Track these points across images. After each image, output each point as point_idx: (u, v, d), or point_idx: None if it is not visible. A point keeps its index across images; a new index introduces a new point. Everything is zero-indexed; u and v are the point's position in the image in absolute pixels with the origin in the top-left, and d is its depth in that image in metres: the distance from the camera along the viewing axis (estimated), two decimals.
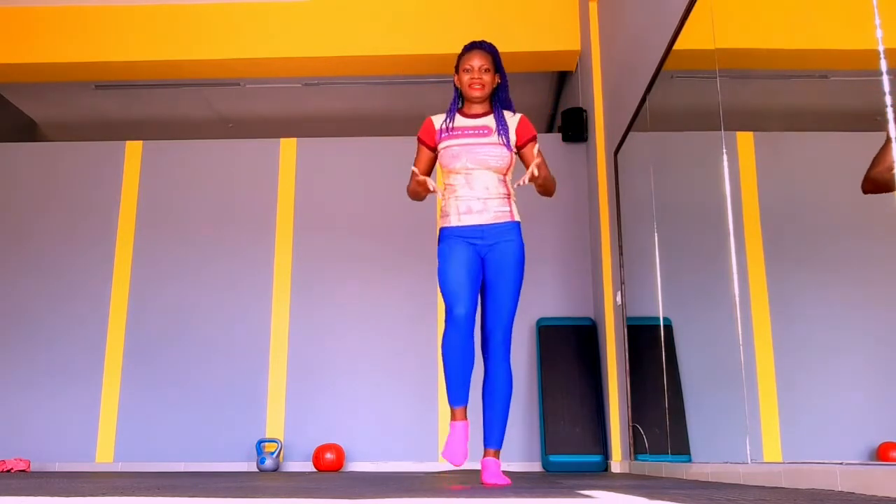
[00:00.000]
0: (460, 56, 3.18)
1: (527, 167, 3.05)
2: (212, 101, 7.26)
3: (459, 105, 3.20)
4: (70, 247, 5.99)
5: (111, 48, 6.10)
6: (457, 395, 3.01)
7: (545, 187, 3.09)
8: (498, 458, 3.02)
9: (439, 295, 5.67)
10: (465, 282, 3.00)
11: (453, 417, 3.03)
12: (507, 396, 3.01)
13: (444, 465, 5.48)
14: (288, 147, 6.15)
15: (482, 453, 3.07)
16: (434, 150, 3.16)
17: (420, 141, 3.20)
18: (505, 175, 3.12)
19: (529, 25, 5.96)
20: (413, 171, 3.04)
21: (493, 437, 3.03)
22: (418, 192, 3.11)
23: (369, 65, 6.21)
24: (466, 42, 3.22)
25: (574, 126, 5.92)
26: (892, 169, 1.95)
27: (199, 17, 6.11)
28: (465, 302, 2.97)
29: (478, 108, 3.16)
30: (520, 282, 3.05)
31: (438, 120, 3.19)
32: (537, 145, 3.08)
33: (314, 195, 6.05)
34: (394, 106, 7.35)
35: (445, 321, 3.01)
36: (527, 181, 2.93)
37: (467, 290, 2.99)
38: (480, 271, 3.06)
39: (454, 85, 3.21)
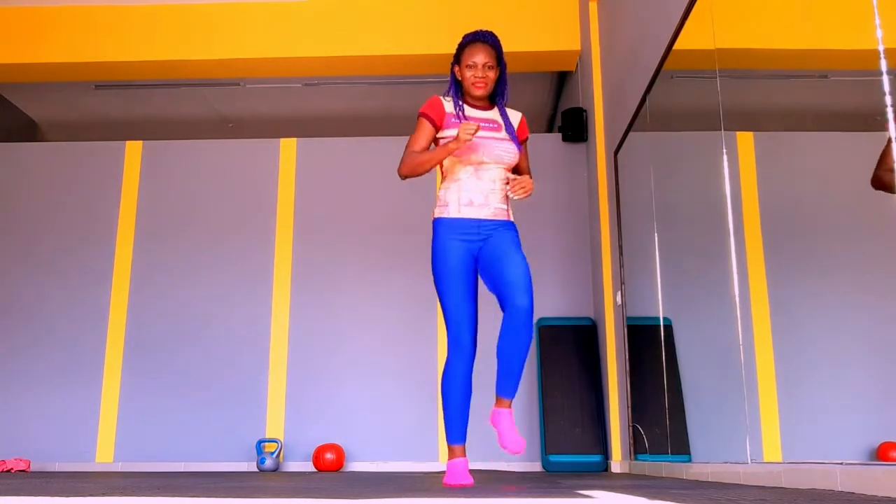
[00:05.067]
0: (462, 47, 3.03)
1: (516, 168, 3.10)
2: (212, 101, 7.26)
3: (460, 95, 3.08)
4: (70, 247, 5.99)
5: (111, 48, 6.09)
6: (458, 433, 2.94)
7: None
8: (510, 407, 2.91)
9: None
10: (467, 305, 2.95)
11: (452, 455, 2.92)
12: (528, 347, 2.86)
13: (443, 466, 5.48)
14: (288, 147, 6.15)
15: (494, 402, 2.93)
16: (438, 129, 3.02)
17: (425, 116, 3.01)
18: (510, 172, 3.06)
19: (529, 25, 5.96)
20: (467, 129, 2.80)
21: (508, 388, 2.89)
22: (434, 161, 2.95)
23: (369, 65, 6.21)
24: (465, 34, 3.07)
25: (574, 126, 5.91)
26: (892, 170, 1.95)
27: (199, 17, 6.11)
28: (469, 328, 2.95)
29: (480, 101, 3.08)
30: (526, 260, 2.94)
31: (448, 104, 3.04)
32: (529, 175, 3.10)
33: (314, 195, 6.04)
34: (394, 106, 7.35)
35: (450, 349, 2.95)
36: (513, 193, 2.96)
37: (470, 314, 2.96)
38: (476, 277, 3.03)
39: (452, 75, 3.06)
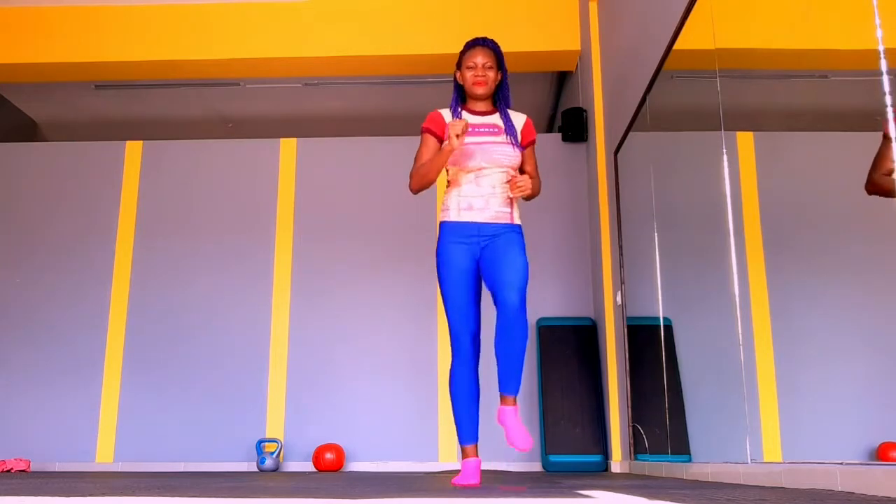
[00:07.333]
0: (463, 52, 3.13)
1: (522, 170, 3.14)
2: (212, 101, 7.26)
3: (462, 101, 3.15)
4: (70, 247, 5.99)
5: (111, 48, 6.09)
6: (469, 433, 2.99)
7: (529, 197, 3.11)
8: (515, 404, 2.93)
9: (439, 295, 5.66)
10: (468, 307, 2.98)
11: (465, 455, 2.97)
12: (524, 344, 2.88)
13: (443, 465, 5.48)
14: (288, 147, 6.15)
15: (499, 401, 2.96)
16: (440, 139, 3.08)
17: (428, 131, 3.09)
18: (513, 174, 3.07)
19: (529, 25, 5.96)
20: (454, 127, 2.85)
21: (509, 385, 2.91)
22: (437, 168, 2.98)
23: (369, 65, 6.21)
24: (466, 42, 3.17)
25: (574, 126, 5.91)
26: (892, 172, 1.94)
27: (199, 17, 6.11)
28: (469, 330, 2.98)
29: (481, 106, 3.12)
30: (526, 260, 2.95)
31: (447, 114, 3.11)
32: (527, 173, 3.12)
33: (314, 195, 6.04)
34: (394, 106, 7.35)
35: (453, 351, 3.00)
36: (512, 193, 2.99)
37: (471, 316, 2.99)
38: (478, 279, 3.05)
39: (455, 82, 3.15)
